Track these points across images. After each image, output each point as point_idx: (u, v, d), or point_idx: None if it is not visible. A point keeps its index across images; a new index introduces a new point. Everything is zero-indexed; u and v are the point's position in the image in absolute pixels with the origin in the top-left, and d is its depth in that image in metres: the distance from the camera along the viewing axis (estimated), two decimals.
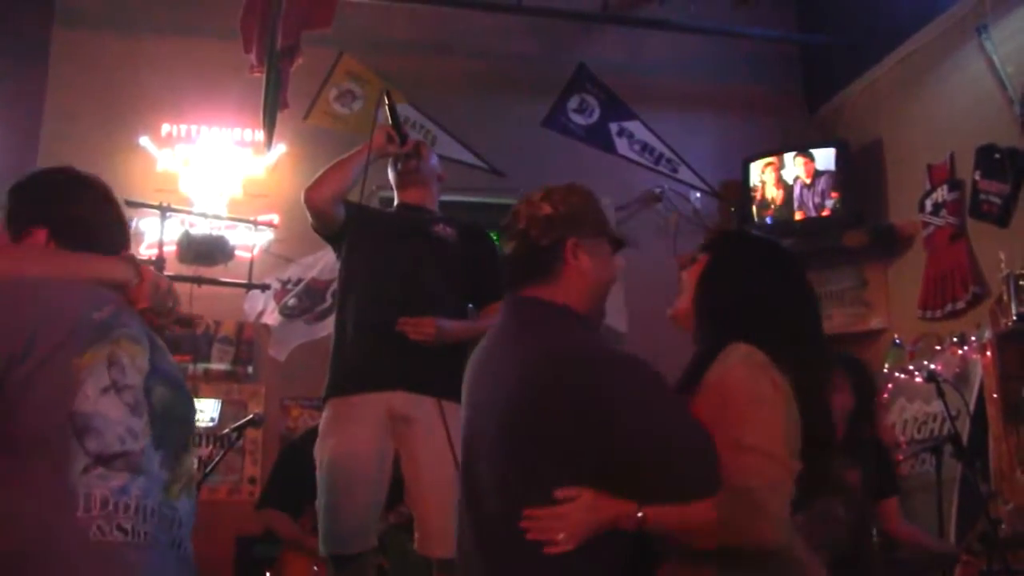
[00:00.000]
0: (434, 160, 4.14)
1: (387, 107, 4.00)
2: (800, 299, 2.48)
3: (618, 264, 2.55)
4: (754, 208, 7.20)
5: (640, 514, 2.13)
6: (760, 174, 7.22)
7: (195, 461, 2.32)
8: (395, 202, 4.10)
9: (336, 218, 3.85)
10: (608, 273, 2.51)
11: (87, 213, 2.33)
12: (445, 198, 4.20)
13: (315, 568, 5.10)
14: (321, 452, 3.68)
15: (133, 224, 5.92)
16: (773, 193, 7.15)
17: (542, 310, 2.39)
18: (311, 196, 3.81)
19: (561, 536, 2.14)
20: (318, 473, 3.69)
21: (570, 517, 2.15)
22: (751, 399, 2.18)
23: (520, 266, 2.46)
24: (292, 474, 5.36)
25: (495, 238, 4.31)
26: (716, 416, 2.19)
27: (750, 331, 2.30)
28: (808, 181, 7.04)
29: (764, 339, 2.27)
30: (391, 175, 4.09)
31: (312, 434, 5.56)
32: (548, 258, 2.41)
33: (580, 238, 2.43)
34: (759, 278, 2.44)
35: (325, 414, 3.75)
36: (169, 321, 2.32)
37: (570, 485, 2.16)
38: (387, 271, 3.73)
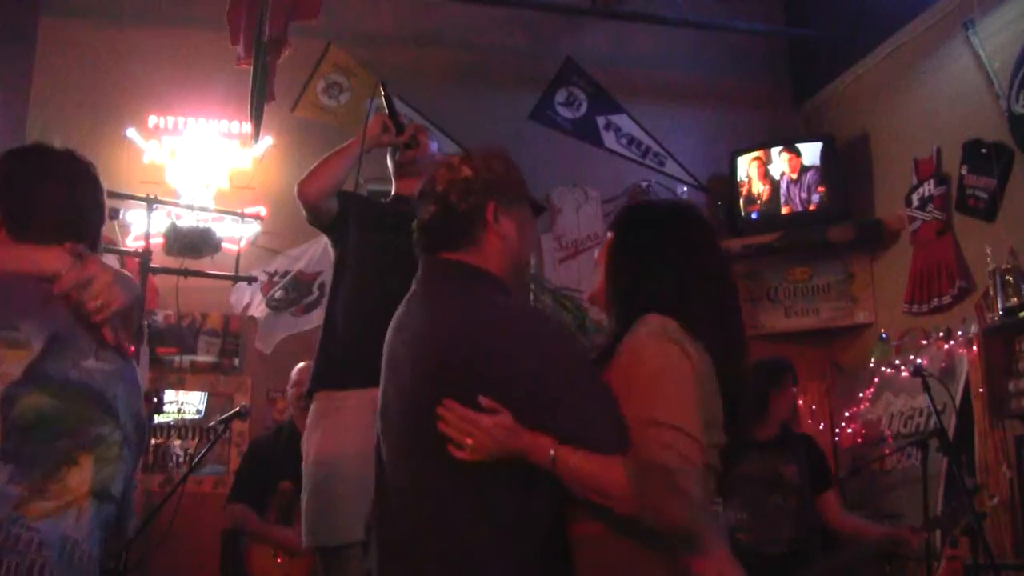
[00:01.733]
0: (435, 147, 4.09)
1: (383, 97, 3.97)
2: (707, 267, 2.36)
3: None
4: (741, 203, 7.21)
5: (552, 452, 2.05)
6: (747, 168, 7.22)
7: (90, 476, 2.02)
8: (391, 193, 4.07)
9: (329, 211, 3.82)
10: (530, 238, 2.46)
11: (44, 195, 2.20)
12: None
13: (278, 560, 5.15)
14: (308, 446, 3.66)
15: (119, 216, 5.91)
16: (759, 188, 7.16)
17: (456, 271, 2.33)
18: (303, 190, 3.78)
19: (469, 441, 2.08)
20: (304, 466, 3.67)
21: (485, 427, 2.08)
22: (660, 372, 2.11)
23: (438, 231, 2.37)
24: (256, 470, 5.40)
25: None
26: (625, 388, 2.13)
27: (660, 305, 2.23)
28: (794, 176, 7.05)
29: (676, 311, 2.21)
30: (389, 165, 4.07)
31: (276, 432, 5.62)
32: (468, 223, 2.34)
33: (500, 202, 2.36)
34: (663, 250, 2.35)
35: (312, 407, 3.73)
36: (96, 316, 2.08)
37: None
38: (372, 265, 3.70)
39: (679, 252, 2.34)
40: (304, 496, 3.64)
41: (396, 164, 4.00)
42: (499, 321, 2.22)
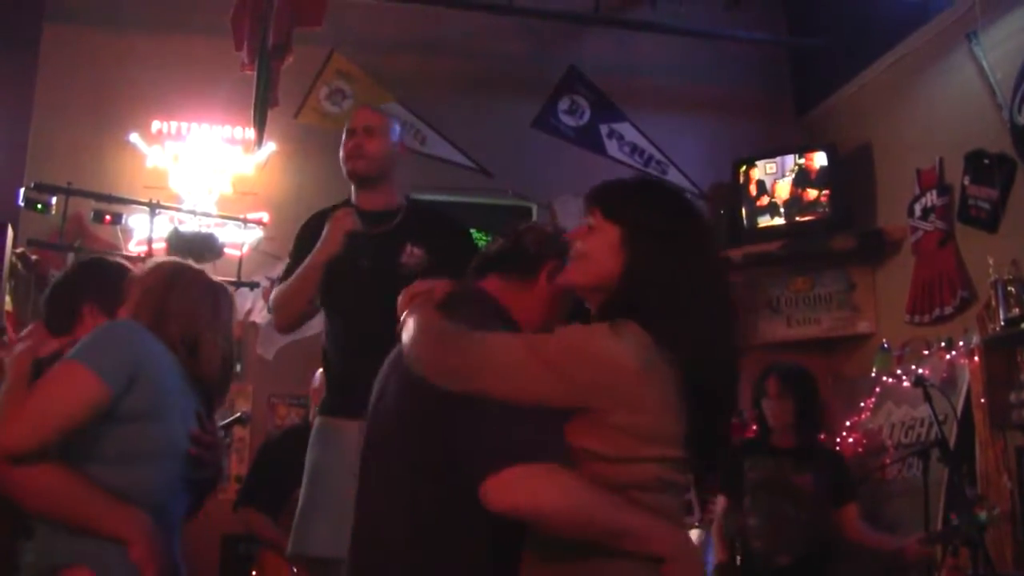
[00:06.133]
0: (397, 131, 3.89)
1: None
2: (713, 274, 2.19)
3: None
4: (743, 212, 7.20)
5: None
6: (750, 177, 7.22)
7: None
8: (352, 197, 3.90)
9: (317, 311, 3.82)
10: (554, 323, 2.29)
11: None
12: (434, 198, 4.11)
13: (295, 570, 5.07)
14: (307, 463, 3.69)
15: (122, 221, 5.93)
16: (763, 197, 7.15)
17: (479, 297, 2.31)
18: (280, 328, 3.84)
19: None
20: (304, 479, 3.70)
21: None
22: (583, 337, 2.01)
23: (497, 258, 2.40)
24: (269, 474, 5.32)
25: (478, 237, 4.26)
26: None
27: (636, 306, 2.05)
28: (796, 187, 7.05)
29: (650, 314, 2.02)
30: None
31: (290, 434, 5.58)
32: (526, 264, 2.35)
33: (558, 267, 2.30)
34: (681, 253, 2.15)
35: (315, 424, 3.76)
36: None
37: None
38: (356, 313, 3.60)
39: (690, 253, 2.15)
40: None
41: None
42: None
